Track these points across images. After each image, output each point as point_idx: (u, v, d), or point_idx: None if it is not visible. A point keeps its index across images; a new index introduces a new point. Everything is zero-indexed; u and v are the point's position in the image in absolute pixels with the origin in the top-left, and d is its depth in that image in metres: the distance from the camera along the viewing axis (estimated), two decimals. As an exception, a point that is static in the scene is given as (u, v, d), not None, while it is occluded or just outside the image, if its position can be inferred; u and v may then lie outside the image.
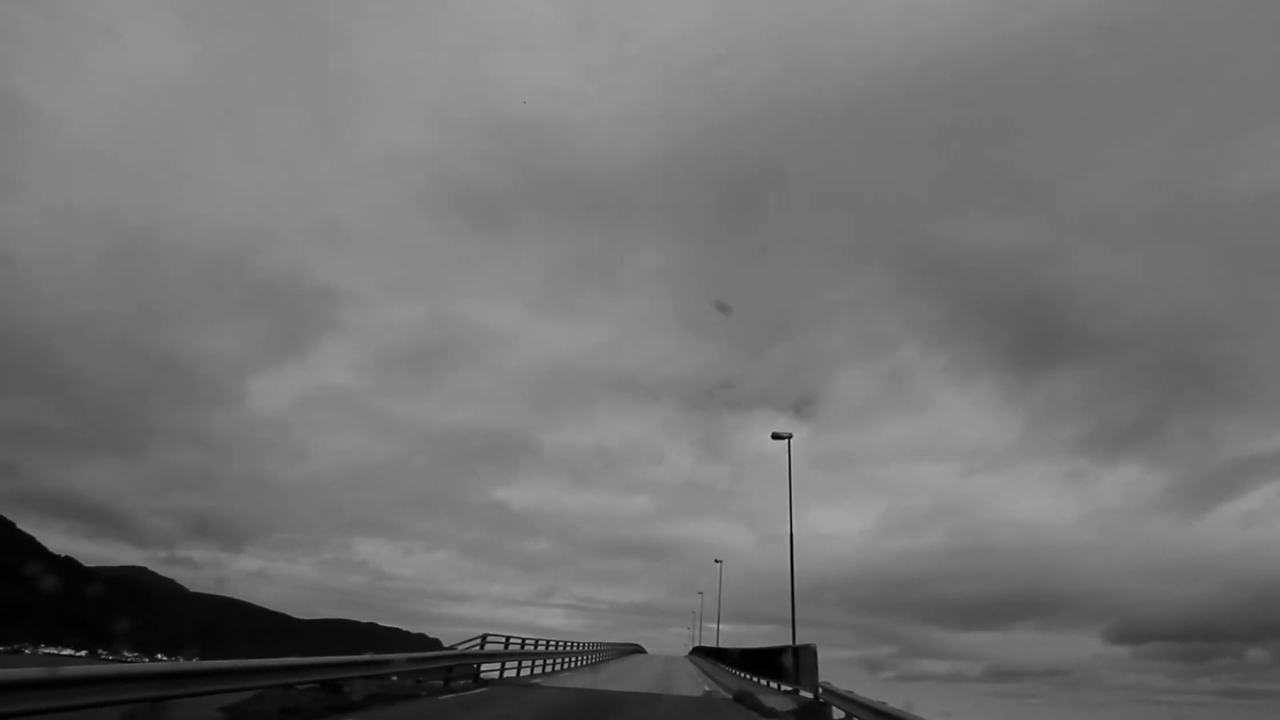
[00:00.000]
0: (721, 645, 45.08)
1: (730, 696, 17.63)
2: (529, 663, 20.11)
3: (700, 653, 58.98)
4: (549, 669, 21.05)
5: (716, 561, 53.65)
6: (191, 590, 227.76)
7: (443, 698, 10.84)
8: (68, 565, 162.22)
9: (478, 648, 16.24)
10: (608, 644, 38.89)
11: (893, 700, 10.40)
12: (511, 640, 19.84)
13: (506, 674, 17.89)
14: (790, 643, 20.41)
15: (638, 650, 62.15)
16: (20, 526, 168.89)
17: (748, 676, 24.58)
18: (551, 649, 21.04)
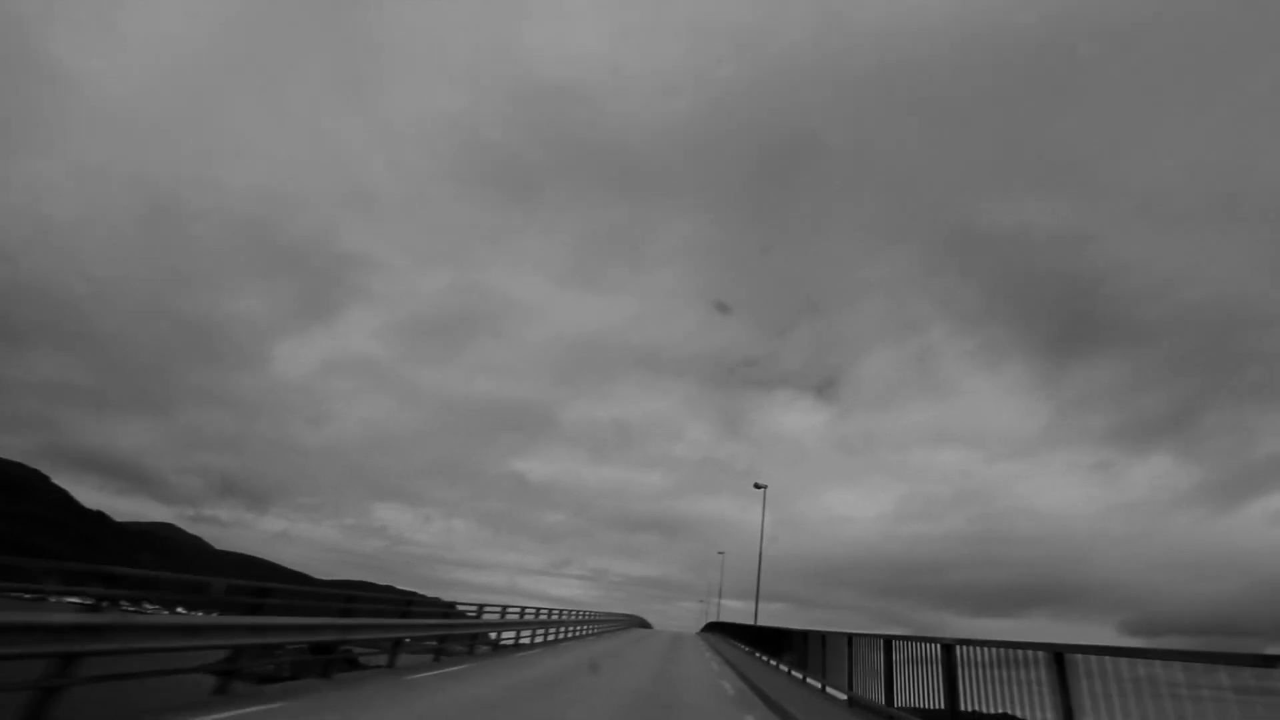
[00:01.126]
0: (751, 623, 30.57)
1: None
2: (526, 632, 19.90)
3: (719, 631, 44.46)
4: (538, 639, 20.67)
5: (758, 486, 36.79)
6: (216, 548, 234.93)
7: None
8: (98, 519, 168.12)
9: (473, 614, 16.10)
10: (606, 614, 36.71)
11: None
12: (509, 609, 19.64)
13: (501, 642, 17.60)
14: (813, 631, 17.62)
15: (640, 625, 55.16)
16: (55, 480, 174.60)
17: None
18: (536, 618, 20.36)
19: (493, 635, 17.18)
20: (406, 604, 10.91)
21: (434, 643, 12.44)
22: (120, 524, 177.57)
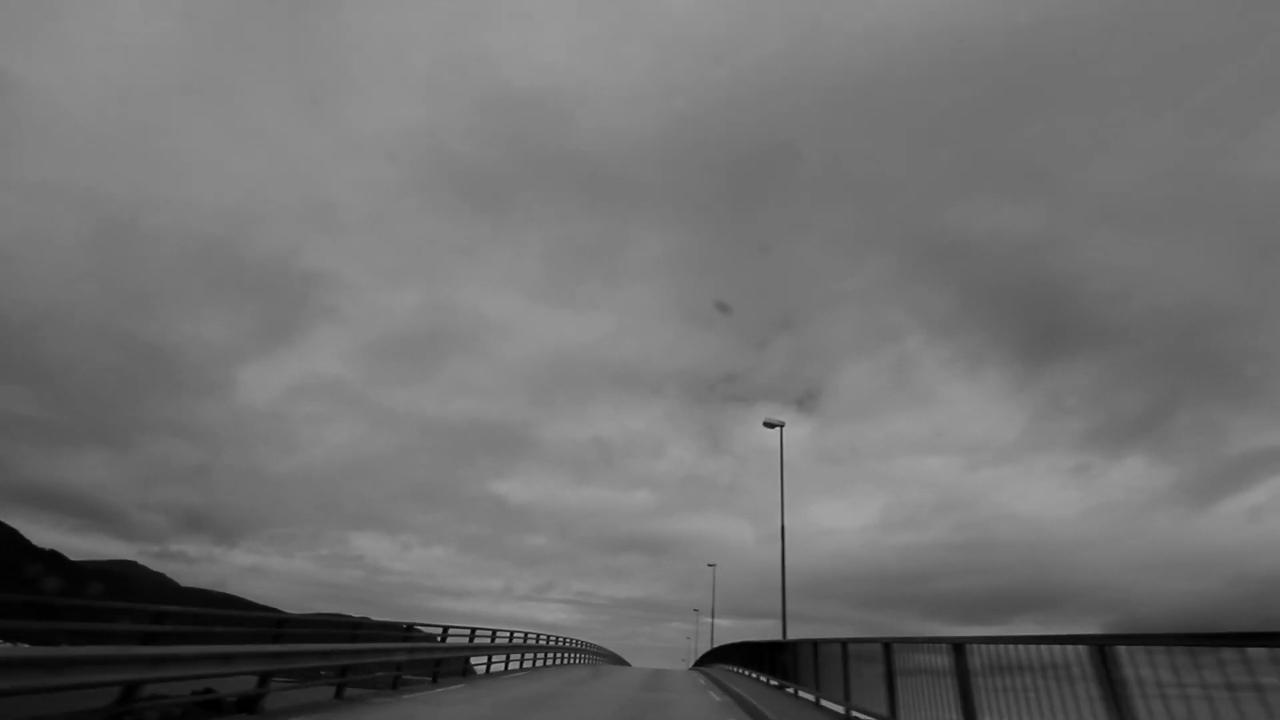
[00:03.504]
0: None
1: None
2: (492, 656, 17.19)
3: (724, 657, 30.77)
4: (496, 662, 17.90)
5: (770, 425, 29.80)
6: (182, 585, 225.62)
7: None
8: (52, 559, 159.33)
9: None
10: (567, 642, 27.89)
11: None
12: (452, 629, 17.18)
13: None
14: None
15: (613, 662, 38.87)
16: (2, 519, 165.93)
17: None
18: (473, 641, 17.48)
19: (452, 660, 14.45)
20: (278, 625, 8.25)
21: (331, 674, 9.79)
22: (75, 563, 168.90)
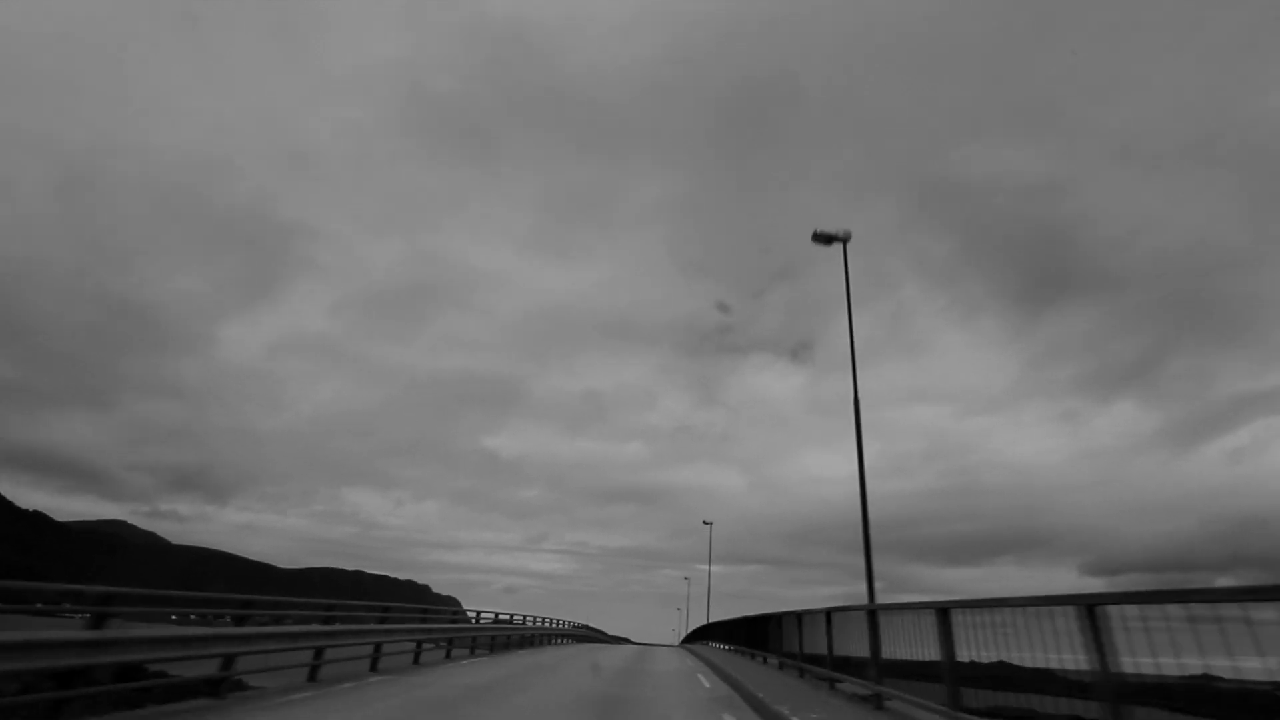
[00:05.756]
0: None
1: None
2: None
3: (723, 636, 25.76)
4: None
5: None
6: (173, 543, 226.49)
7: None
8: (35, 519, 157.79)
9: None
10: (542, 624, 24.71)
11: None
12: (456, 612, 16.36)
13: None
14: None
15: (597, 641, 34.08)
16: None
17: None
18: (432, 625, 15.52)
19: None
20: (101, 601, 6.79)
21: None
22: (62, 524, 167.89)
